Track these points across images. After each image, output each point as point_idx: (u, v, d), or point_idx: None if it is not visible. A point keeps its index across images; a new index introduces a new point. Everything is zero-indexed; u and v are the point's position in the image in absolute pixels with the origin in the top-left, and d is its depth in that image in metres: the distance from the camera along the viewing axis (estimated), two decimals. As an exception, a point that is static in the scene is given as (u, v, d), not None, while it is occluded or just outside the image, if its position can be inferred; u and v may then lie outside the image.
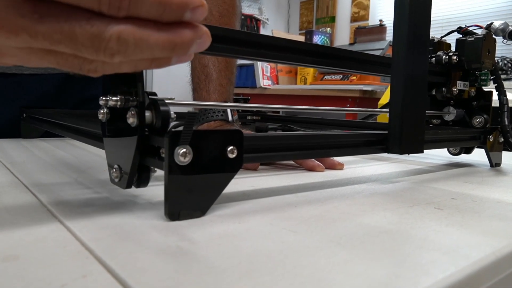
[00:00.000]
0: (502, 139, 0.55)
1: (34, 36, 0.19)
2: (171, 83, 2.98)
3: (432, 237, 0.25)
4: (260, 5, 3.75)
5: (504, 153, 0.57)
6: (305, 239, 0.24)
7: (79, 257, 0.20)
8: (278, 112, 1.89)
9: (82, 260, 0.20)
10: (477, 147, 0.56)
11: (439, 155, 0.67)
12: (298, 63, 0.42)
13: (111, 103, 0.29)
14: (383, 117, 1.08)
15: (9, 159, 0.49)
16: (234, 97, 0.76)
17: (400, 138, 0.39)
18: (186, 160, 0.26)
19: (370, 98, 2.19)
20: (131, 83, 0.29)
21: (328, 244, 0.23)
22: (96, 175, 0.41)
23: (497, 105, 0.56)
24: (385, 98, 1.80)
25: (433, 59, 0.56)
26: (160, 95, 0.30)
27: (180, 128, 0.26)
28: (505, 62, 1.90)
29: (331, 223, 0.27)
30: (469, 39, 0.54)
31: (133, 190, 0.33)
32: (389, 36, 2.71)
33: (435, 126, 0.60)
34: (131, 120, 0.28)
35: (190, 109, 0.65)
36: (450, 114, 0.58)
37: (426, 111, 0.58)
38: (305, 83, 2.70)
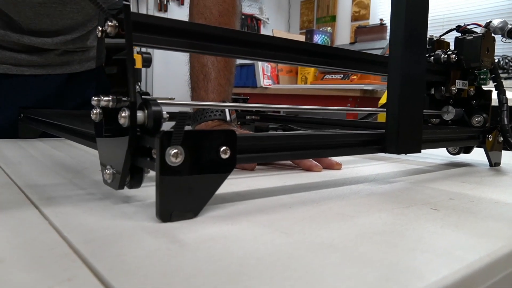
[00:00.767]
0: (502, 139, 0.55)
1: None
2: (172, 82, 2.98)
3: (426, 239, 0.24)
4: (260, 5, 3.75)
5: (504, 152, 0.57)
6: (297, 241, 0.23)
7: (66, 260, 0.20)
8: (279, 111, 1.88)
9: (68, 263, 0.19)
10: (477, 147, 0.56)
11: (438, 154, 0.66)
12: (296, 62, 0.42)
13: (103, 103, 0.29)
14: (384, 117, 1.07)
15: (4, 160, 0.49)
16: (233, 96, 0.76)
17: (397, 137, 0.39)
18: (178, 160, 0.26)
19: (370, 98, 2.18)
20: (124, 83, 0.28)
21: (320, 246, 0.22)
22: (91, 175, 0.41)
23: (497, 104, 0.56)
24: (385, 98, 1.80)
25: (432, 58, 0.56)
26: (160, 95, 0.30)
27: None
28: (506, 61, 1.89)
29: (325, 225, 0.27)
30: (468, 38, 0.54)
31: (127, 191, 0.33)
32: (390, 35, 2.70)
33: (434, 126, 0.59)
34: (122, 120, 0.27)
35: (188, 109, 0.65)
36: (449, 114, 0.57)
37: (425, 111, 0.57)
38: (305, 83, 2.69)
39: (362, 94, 2.15)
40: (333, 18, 3.58)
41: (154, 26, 0.31)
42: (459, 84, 0.55)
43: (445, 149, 0.59)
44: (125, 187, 0.30)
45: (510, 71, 1.88)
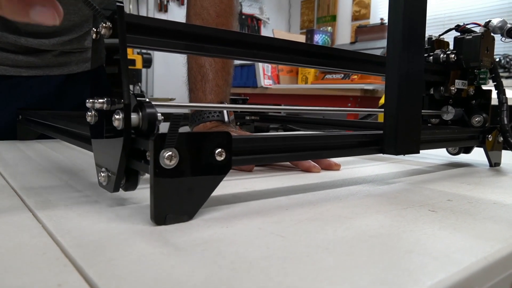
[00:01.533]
0: (502, 139, 0.55)
1: None
2: (172, 83, 2.98)
3: (423, 241, 0.24)
4: (261, 5, 3.75)
5: (504, 152, 0.57)
6: (292, 244, 0.23)
7: (57, 265, 0.19)
8: (279, 112, 1.88)
9: (60, 268, 0.19)
10: (477, 146, 0.55)
11: (438, 154, 0.66)
12: (295, 63, 0.42)
13: (97, 105, 0.29)
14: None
15: (1, 162, 0.49)
16: (232, 97, 0.75)
17: (395, 138, 0.38)
18: (172, 163, 0.25)
19: (371, 97, 2.18)
20: (120, 85, 0.28)
21: (315, 250, 0.22)
22: (88, 177, 0.41)
23: (497, 103, 0.55)
24: (385, 97, 1.79)
25: (431, 57, 0.55)
26: (161, 95, 0.30)
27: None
28: (507, 60, 1.89)
29: (321, 227, 0.26)
30: (467, 37, 0.53)
31: (123, 193, 0.32)
32: (390, 34, 2.69)
33: (434, 126, 0.59)
34: (117, 123, 0.27)
35: (187, 110, 0.65)
36: (449, 114, 0.57)
37: (425, 111, 0.57)
38: (306, 83, 2.69)
39: (362, 94, 2.15)
40: (334, 18, 3.57)
41: (148, 28, 0.31)
42: (459, 84, 0.54)
43: (445, 149, 0.58)
44: (121, 189, 0.29)
45: (511, 70, 1.88)
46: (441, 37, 0.57)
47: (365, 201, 0.34)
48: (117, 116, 0.27)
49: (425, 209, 0.31)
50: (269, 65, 2.72)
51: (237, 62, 0.73)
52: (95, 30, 0.30)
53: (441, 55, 0.54)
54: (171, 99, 2.62)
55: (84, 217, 0.27)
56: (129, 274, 0.19)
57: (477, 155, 0.57)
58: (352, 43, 2.84)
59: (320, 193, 0.37)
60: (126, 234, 0.24)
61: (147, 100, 0.29)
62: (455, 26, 0.56)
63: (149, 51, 2.45)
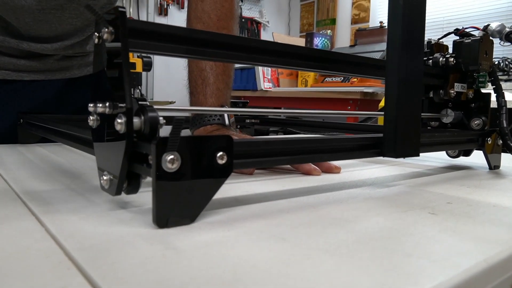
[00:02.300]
0: (501, 141, 0.55)
1: None
2: (172, 85, 2.99)
3: (423, 244, 0.24)
4: (260, 8, 3.76)
5: (504, 155, 0.57)
6: (294, 247, 0.23)
7: (61, 268, 0.20)
8: (280, 115, 1.88)
9: (63, 271, 0.19)
10: (476, 149, 0.55)
11: (438, 157, 0.66)
12: (294, 67, 0.42)
13: (99, 109, 0.29)
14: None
15: (3, 165, 0.49)
16: (232, 100, 0.76)
17: (395, 141, 0.39)
18: (174, 167, 0.26)
19: (371, 100, 2.18)
20: (121, 88, 0.28)
21: (316, 252, 0.22)
22: (89, 181, 0.41)
23: (496, 106, 0.55)
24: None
25: (431, 61, 0.56)
26: (161, 98, 0.30)
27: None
28: (506, 63, 1.89)
29: (322, 230, 0.27)
30: (466, 41, 0.54)
31: (125, 196, 0.33)
32: (390, 37, 2.70)
33: (434, 129, 0.59)
34: (119, 127, 0.27)
35: (188, 113, 0.65)
36: (448, 117, 0.57)
37: (424, 114, 0.57)
38: (306, 86, 2.70)
39: (362, 97, 2.15)
40: (333, 21, 3.58)
41: (150, 32, 0.31)
42: (458, 87, 0.55)
43: (444, 152, 0.59)
44: (122, 192, 0.30)
45: (510, 73, 1.88)
46: (440, 40, 0.58)
47: (365, 204, 0.34)
48: (119, 120, 0.27)
49: (425, 212, 0.32)
50: (269, 68, 2.73)
51: (237, 65, 0.74)
52: (97, 35, 0.30)
53: (440, 59, 0.54)
54: (171, 102, 2.62)
55: (87, 220, 0.28)
56: (132, 276, 0.19)
57: (477, 158, 0.58)
58: (351, 46, 2.84)
59: (321, 196, 0.37)
60: (128, 237, 0.24)
61: (148, 104, 0.29)
62: (454, 30, 0.56)
63: (149, 55, 2.46)
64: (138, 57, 2.45)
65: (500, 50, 2.06)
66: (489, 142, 0.54)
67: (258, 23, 3.73)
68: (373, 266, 0.21)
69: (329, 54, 0.44)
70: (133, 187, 0.30)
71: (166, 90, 3.03)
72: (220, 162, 0.28)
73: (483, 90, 0.56)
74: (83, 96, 0.82)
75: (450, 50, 0.56)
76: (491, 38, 0.54)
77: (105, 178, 0.30)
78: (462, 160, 0.61)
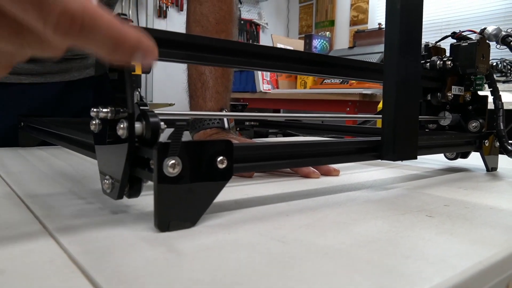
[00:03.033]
0: (498, 144, 0.55)
1: None
2: (171, 88, 2.99)
3: (420, 247, 0.25)
4: (259, 10, 3.77)
5: (501, 157, 0.57)
6: (293, 249, 0.24)
7: (65, 271, 0.20)
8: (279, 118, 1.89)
9: (68, 275, 0.20)
10: (474, 151, 0.56)
11: (436, 159, 0.66)
12: (293, 71, 0.43)
13: (101, 114, 0.30)
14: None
15: (4, 169, 0.49)
16: (232, 102, 0.76)
17: (393, 144, 0.39)
18: (175, 171, 0.26)
19: (370, 102, 2.19)
20: (122, 91, 0.29)
21: (315, 255, 0.23)
22: (91, 184, 0.41)
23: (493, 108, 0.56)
24: (384, 102, 1.80)
25: (428, 64, 0.56)
26: (160, 100, 0.30)
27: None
28: (504, 64, 1.90)
29: (321, 233, 0.27)
30: (463, 44, 0.54)
31: (126, 200, 0.33)
32: (388, 39, 2.71)
33: (431, 131, 0.59)
34: (121, 132, 0.28)
35: (189, 118, 0.66)
36: (446, 119, 0.58)
37: (422, 116, 0.58)
38: (305, 87, 2.70)
39: (361, 98, 2.16)
40: (332, 23, 3.59)
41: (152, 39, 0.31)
42: (455, 90, 0.55)
43: (442, 154, 0.59)
44: (124, 196, 0.30)
45: (508, 74, 1.89)
46: (438, 44, 0.58)
47: (363, 206, 0.35)
48: (121, 125, 0.28)
49: (422, 214, 0.32)
50: (268, 70, 2.73)
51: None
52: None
53: (438, 62, 0.55)
54: (170, 104, 2.62)
55: (90, 224, 0.28)
56: (135, 279, 0.19)
57: (474, 159, 0.58)
58: (350, 47, 2.85)
59: (320, 198, 0.37)
60: (131, 240, 0.25)
61: (149, 108, 0.29)
62: (451, 33, 0.57)
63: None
64: (137, 59, 2.45)
65: (498, 51, 2.07)
66: (487, 144, 0.54)
67: (257, 25, 3.74)
68: (372, 268, 0.21)
69: (327, 58, 0.45)
70: (135, 191, 0.30)
71: (165, 91, 3.03)
72: (220, 166, 0.28)
73: (480, 93, 0.56)
74: (83, 99, 0.83)
75: (448, 53, 0.57)
76: (487, 41, 0.55)
77: (107, 182, 0.30)
78: (459, 162, 0.62)
